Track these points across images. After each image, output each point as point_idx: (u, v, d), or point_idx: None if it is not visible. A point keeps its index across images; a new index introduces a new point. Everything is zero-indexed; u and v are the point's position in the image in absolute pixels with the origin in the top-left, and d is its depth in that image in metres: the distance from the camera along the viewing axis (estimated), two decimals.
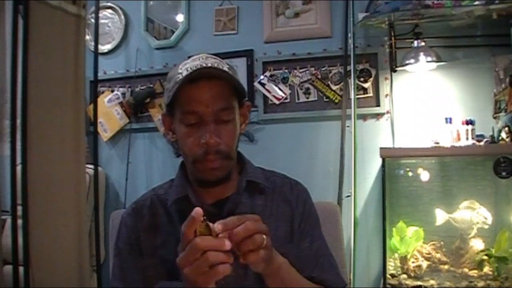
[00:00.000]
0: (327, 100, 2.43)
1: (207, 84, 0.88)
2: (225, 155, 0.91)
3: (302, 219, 1.00)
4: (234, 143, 0.94)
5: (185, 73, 0.89)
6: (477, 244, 1.99)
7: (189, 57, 0.95)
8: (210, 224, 0.70)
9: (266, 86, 2.49)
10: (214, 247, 0.68)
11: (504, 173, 1.91)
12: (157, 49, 2.72)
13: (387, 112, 2.34)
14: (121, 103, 2.72)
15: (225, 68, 0.92)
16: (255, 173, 1.01)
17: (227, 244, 0.68)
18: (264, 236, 0.73)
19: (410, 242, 2.04)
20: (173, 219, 0.96)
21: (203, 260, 0.67)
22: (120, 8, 2.78)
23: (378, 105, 2.35)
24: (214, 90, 0.88)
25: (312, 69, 2.45)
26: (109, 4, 2.79)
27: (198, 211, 0.69)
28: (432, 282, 1.95)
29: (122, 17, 2.78)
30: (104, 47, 2.77)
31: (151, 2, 2.76)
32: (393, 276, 2.04)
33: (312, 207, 1.04)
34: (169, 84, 0.93)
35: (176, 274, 0.88)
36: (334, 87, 2.41)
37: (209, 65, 0.90)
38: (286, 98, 2.48)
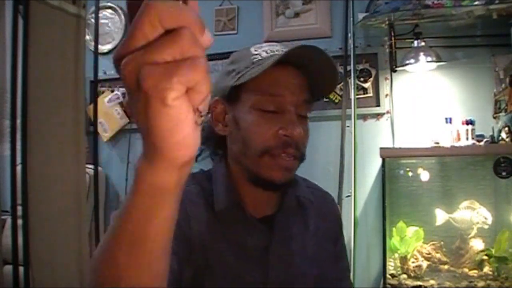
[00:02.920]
0: (327, 100, 2.42)
1: (296, 71, 0.78)
2: (301, 155, 0.78)
3: (337, 238, 0.92)
4: (307, 145, 0.81)
5: (264, 54, 0.78)
6: (477, 244, 1.99)
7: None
8: None
9: None
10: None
11: (504, 173, 1.91)
12: None
13: (387, 112, 2.34)
14: (121, 103, 2.72)
15: None
16: (302, 187, 0.88)
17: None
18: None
19: (410, 242, 2.04)
20: (218, 225, 0.80)
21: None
22: (120, 8, 2.78)
23: (378, 105, 2.35)
24: (301, 79, 0.78)
25: None
26: (109, 4, 2.79)
27: None
28: (432, 282, 1.94)
29: (122, 17, 2.78)
30: (104, 47, 2.77)
31: None
32: (393, 276, 2.04)
33: (341, 222, 0.96)
34: (236, 65, 0.80)
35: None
36: None
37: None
38: None
